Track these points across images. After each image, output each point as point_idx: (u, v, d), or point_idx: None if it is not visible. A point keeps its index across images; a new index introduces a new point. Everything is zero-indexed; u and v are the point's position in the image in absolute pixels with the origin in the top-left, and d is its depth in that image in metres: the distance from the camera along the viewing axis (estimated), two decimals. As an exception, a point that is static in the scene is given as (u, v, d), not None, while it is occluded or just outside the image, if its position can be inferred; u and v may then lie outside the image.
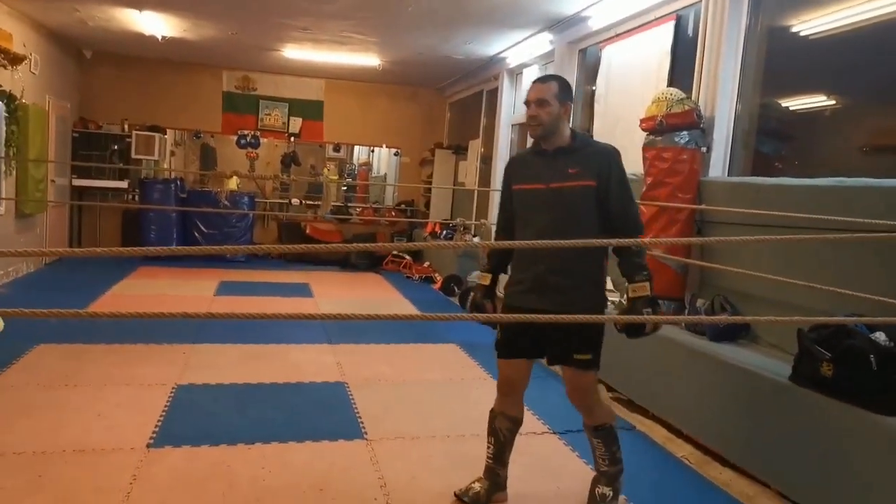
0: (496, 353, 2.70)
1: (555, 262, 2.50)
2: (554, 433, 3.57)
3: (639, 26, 5.12)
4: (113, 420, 3.37)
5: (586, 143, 2.63)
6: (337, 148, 10.89)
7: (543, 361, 2.71)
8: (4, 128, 6.32)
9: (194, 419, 3.46)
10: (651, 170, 4.16)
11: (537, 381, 4.45)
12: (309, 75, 9.75)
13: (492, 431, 2.74)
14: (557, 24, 5.89)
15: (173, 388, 3.89)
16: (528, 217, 2.62)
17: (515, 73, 7.54)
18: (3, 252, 1.21)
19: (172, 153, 10.38)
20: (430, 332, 5.60)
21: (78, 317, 1.49)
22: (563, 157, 2.56)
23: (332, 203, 10.21)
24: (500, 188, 2.88)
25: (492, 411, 2.75)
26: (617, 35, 5.40)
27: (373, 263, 9.35)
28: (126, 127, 9.00)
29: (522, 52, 6.84)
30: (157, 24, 6.94)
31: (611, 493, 2.72)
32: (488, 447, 2.76)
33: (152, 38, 7.44)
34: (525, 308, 2.53)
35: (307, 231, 9.91)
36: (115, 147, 8.84)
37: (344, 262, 9.37)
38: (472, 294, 2.87)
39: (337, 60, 8.35)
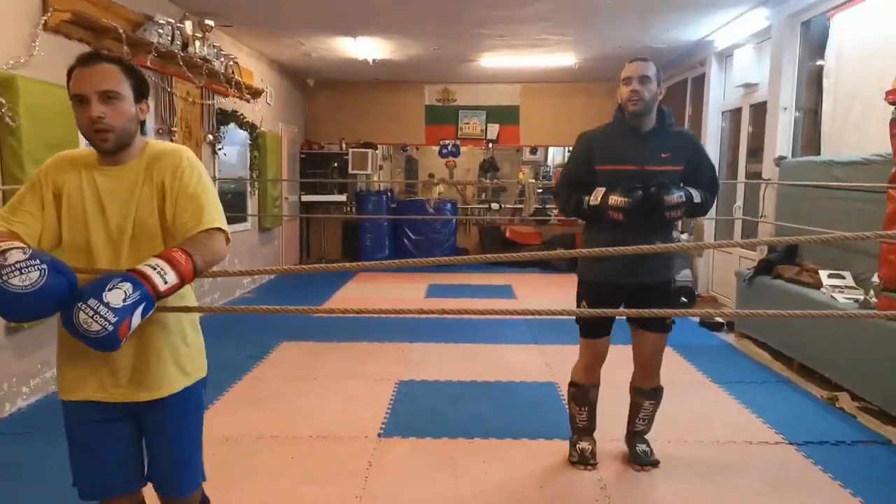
0: (583, 333, 2.90)
1: (645, 243, 2.55)
2: (790, 444, 3.25)
3: (876, -13, 4.49)
4: (348, 410, 3.71)
5: (671, 125, 2.76)
6: (533, 151, 10.97)
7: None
8: (249, 154, 7.29)
9: (417, 412, 3.69)
10: (901, 148, 3.62)
11: (765, 387, 4.13)
12: (505, 81, 9.94)
13: (585, 402, 2.98)
14: (774, -2, 5.39)
15: (396, 383, 4.18)
16: None
17: (725, 56, 7.01)
18: (250, 271, 1.50)
19: (380, 167, 11.19)
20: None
21: (316, 313, 1.72)
22: (654, 139, 2.70)
23: (534, 206, 10.28)
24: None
25: (580, 386, 2.97)
26: (849, 1, 4.79)
27: (573, 264, 9.23)
28: (343, 145, 9.89)
29: (733, 32, 6.35)
30: (368, 49, 7.55)
31: (649, 450, 2.99)
32: (580, 413, 3.00)
33: (364, 62, 8.10)
34: (616, 284, 2.76)
35: (507, 235, 10.10)
36: (335, 164, 9.74)
37: (545, 264, 9.39)
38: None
39: (532, 64, 8.42)
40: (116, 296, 1.37)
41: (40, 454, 3.11)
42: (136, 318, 1.39)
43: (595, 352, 2.90)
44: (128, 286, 1.38)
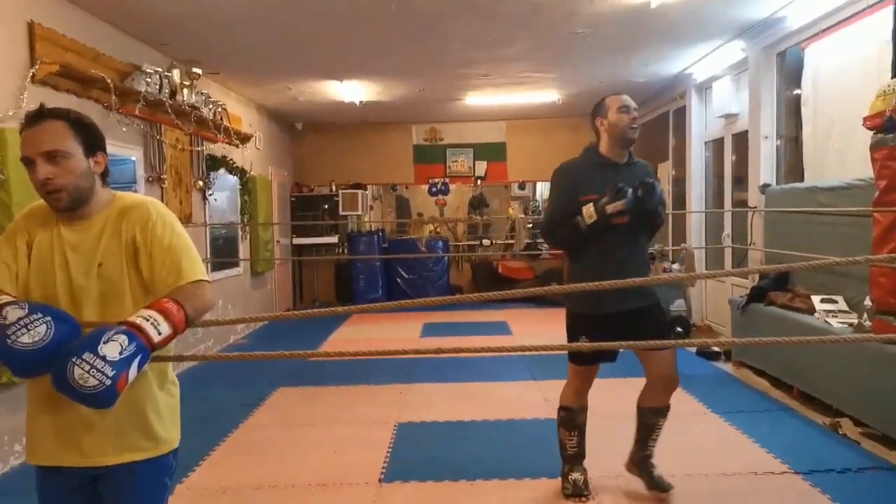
0: (578, 362, 2.93)
1: (633, 267, 2.80)
2: (796, 473, 3.22)
3: (847, 18, 4.63)
4: (347, 456, 3.65)
5: (633, 157, 2.95)
6: (522, 186, 11.06)
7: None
8: (239, 198, 7.31)
9: (418, 455, 3.63)
10: (883, 172, 3.66)
11: (766, 416, 4.11)
12: (490, 119, 10.07)
13: (575, 426, 3.00)
14: (749, 30, 5.52)
15: (395, 425, 4.13)
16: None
17: (704, 88, 7.16)
18: (243, 319, 1.48)
19: (371, 207, 11.22)
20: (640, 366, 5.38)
21: (312, 357, 1.69)
22: (627, 170, 2.88)
23: (525, 241, 10.34)
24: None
25: (570, 410, 3.00)
26: (822, 31, 4.93)
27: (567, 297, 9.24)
28: (333, 187, 9.93)
29: (711, 64, 6.50)
30: (355, 91, 7.65)
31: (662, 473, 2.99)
32: (570, 439, 3.01)
33: (351, 105, 8.20)
34: (610, 313, 2.79)
35: (499, 270, 10.11)
36: (326, 206, 9.78)
37: (539, 299, 9.38)
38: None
39: (516, 101, 8.56)
40: (112, 349, 1.33)
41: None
42: (133, 372, 1.36)
43: (588, 377, 2.97)
44: (123, 338, 1.35)
